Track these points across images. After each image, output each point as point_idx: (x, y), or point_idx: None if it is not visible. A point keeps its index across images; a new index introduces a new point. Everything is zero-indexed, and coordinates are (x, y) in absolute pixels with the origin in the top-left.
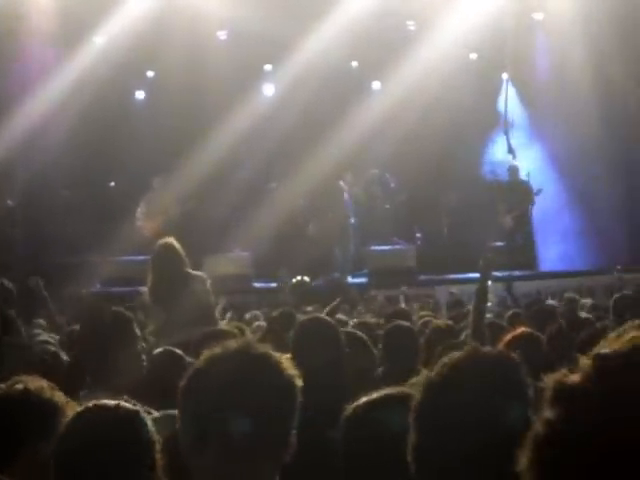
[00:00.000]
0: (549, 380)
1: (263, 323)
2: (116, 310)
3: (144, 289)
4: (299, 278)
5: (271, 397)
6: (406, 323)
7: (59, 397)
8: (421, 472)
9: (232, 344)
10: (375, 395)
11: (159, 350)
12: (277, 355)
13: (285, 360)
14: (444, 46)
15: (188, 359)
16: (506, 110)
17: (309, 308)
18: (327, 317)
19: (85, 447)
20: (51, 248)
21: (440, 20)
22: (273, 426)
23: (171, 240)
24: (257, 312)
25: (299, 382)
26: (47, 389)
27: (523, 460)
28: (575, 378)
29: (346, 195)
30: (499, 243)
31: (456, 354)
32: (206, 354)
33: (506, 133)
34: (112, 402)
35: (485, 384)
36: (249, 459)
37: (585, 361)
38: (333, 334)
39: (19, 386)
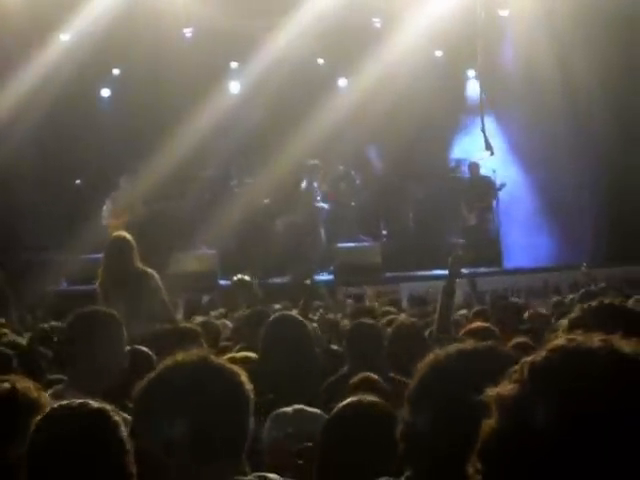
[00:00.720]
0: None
1: (228, 322)
2: (104, 311)
3: None
4: (239, 277)
5: (226, 402)
6: (370, 321)
7: (45, 398)
8: (411, 453)
9: (191, 355)
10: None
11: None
12: (231, 365)
13: (239, 370)
14: (410, 43)
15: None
16: (482, 106)
17: (277, 306)
18: (296, 315)
19: (53, 446)
20: (17, 246)
21: (406, 17)
22: (229, 429)
23: (123, 235)
24: (222, 310)
25: (249, 389)
26: (34, 389)
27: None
28: (509, 386)
29: (316, 189)
30: (463, 240)
31: (456, 345)
32: (165, 363)
33: (482, 129)
34: (79, 401)
35: (480, 371)
36: (212, 459)
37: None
38: (303, 332)
39: (6, 385)
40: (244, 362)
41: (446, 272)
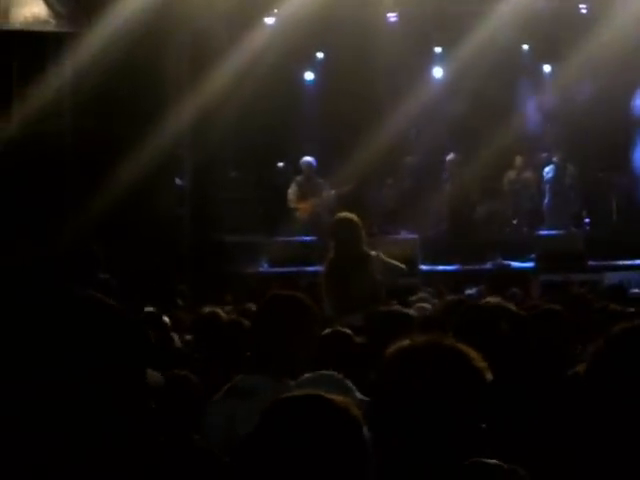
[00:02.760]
0: None
1: (428, 306)
2: (296, 296)
3: (312, 269)
4: None
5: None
6: None
7: None
8: None
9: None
10: None
11: (328, 331)
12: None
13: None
14: (618, 29)
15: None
16: None
17: (468, 291)
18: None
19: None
20: (218, 228)
21: (614, 2)
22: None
23: (352, 216)
24: (424, 294)
25: (489, 376)
26: None
27: None
28: None
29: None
30: None
31: None
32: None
33: None
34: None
35: None
36: None
37: None
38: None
39: None
40: None
41: None
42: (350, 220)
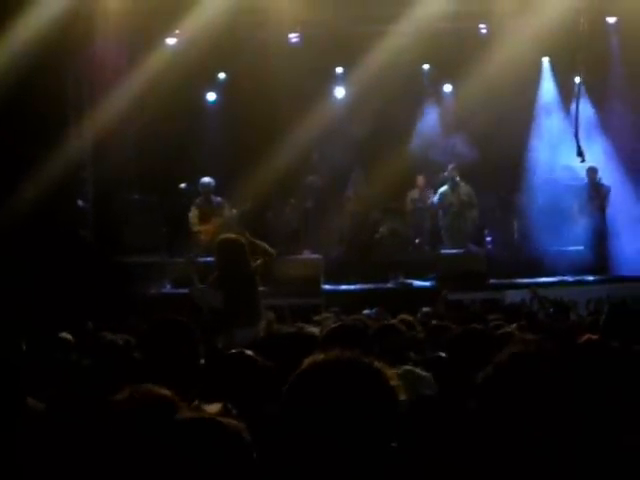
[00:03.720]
0: None
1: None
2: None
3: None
4: None
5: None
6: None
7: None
8: None
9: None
10: None
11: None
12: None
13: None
14: (516, 49)
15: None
16: (577, 113)
17: (366, 311)
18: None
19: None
20: (121, 250)
21: (513, 23)
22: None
23: (234, 237)
24: (328, 314)
25: (401, 394)
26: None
27: None
28: None
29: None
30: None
31: None
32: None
33: (576, 135)
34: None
35: None
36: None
37: None
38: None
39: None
40: None
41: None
42: (232, 241)
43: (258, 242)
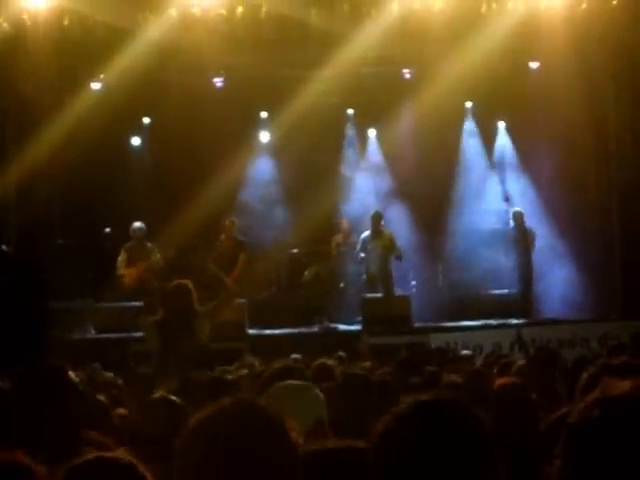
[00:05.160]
0: None
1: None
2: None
3: (138, 335)
4: None
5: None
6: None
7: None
8: None
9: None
10: None
11: (157, 396)
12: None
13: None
14: (440, 93)
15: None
16: (502, 157)
17: (294, 356)
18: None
19: None
20: (44, 294)
21: (437, 67)
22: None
23: (186, 281)
24: (250, 359)
25: (299, 441)
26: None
27: None
28: None
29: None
30: (495, 291)
31: None
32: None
33: (502, 180)
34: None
35: None
36: None
37: None
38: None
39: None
40: None
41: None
42: (181, 287)
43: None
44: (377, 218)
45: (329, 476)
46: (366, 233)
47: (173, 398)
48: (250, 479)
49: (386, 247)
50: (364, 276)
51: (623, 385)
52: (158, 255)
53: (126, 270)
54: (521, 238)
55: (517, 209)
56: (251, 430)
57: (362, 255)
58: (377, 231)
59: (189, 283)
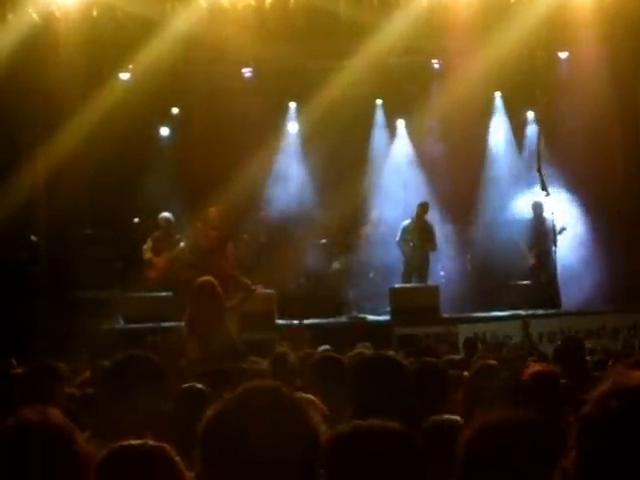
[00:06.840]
0: None
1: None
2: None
3: (167, 325)
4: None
5: (296, 442)
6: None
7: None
8: None
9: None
10: None
11: (186, 386)
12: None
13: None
14: (469, 84)
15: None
16: (538, 148)
17: (322, 347)
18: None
19: None
20: (74, 284)
21: (466, 58)
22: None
23: (211, 280)
24: (281, 348)
25: (322, 429)
26: None
27: None
28: None
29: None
30: (527, 281)
31: None
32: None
33: (539, 170)
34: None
35: None
36: None
37: None
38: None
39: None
40: None
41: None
42: (209, 284)
43: (242, 278)
44: (424, 208)
45: (357, 456)
46: (407, 221)
47: (200, 386)
48: (271, 463)
49: (426, 238)
50: (402, 264)
51: (637, 375)
52: (182, 244)
53: (154, 257)
54: (541, 229)
55: (537, 200)
56: (272, 415)
57: (402, 243)
58: (421, 221)
59: (211, 279)
